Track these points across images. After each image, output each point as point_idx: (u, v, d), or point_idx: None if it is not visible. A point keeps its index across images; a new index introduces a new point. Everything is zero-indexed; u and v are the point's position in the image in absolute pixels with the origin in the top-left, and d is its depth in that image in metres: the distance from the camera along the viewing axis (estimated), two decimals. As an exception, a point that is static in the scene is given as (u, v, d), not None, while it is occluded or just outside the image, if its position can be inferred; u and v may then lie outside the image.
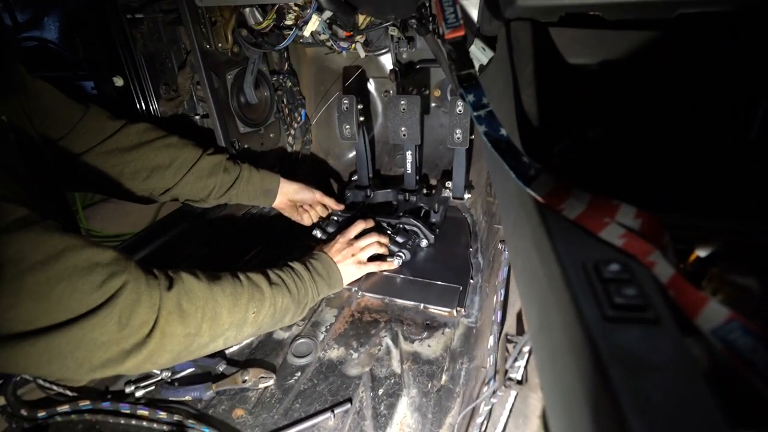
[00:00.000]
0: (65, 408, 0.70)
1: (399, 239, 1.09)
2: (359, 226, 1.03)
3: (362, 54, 1.13)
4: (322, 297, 0.90)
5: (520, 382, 0.52)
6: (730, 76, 0.49)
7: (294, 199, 1.14)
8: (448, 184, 1.28)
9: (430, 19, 0.91)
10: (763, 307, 0.35)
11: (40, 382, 0.72)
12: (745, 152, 0.44)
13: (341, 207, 1.20)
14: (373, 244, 1.01)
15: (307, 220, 1.18)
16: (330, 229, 1.16)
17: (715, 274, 0.40)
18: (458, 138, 1.13)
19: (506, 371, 0.54)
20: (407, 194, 1.26)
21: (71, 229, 0.57)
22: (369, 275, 1.03)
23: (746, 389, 0.29)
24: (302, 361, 0.84)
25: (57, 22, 1.06)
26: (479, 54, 0.69)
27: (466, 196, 1.27)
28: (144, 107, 1.12)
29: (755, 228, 0.39)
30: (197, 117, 1.17)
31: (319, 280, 0.87)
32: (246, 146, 1.25)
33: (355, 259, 0.96)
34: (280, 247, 1.21)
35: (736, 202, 0.42)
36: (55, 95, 0.80)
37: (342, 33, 1.02)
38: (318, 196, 1.16)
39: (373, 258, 1.01)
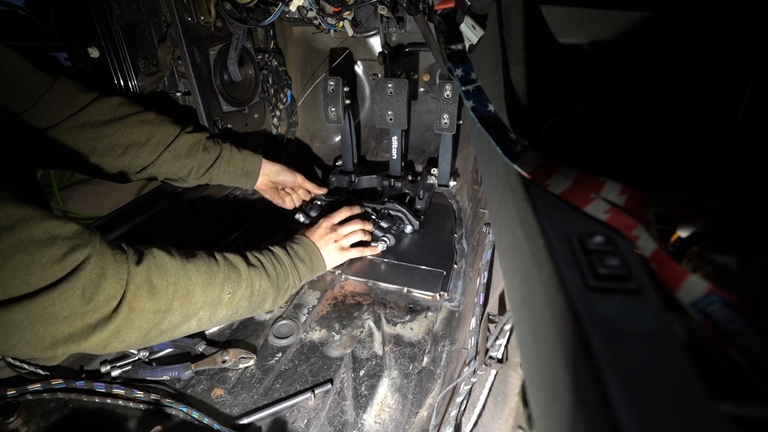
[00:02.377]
0: (37, 387, 0.67)
1: (383, 224, 1.08)
2: (344, 213, 1.02)
3: (350, 32, 1.11)
4: (303, 282, 0.88)
5: (500, 361, 0.52)
6: (718, 56, 0.49)
7: (275, 181, 1.12)
8: (434, 170, 1.27)
9: (421, -2, 0.89)
10: (741, 284, 0.35)
11: (10, 360, 0.69)
12: (732, 132, 0.44)
13: (323, 191, 1.18)
14: (358, 231, 0.99)
15: (288, 203, 1.16)
16: (313, 213, 1.14)
17: (695, 253, 0.40)
18: (445, 123, 1.12)
19: (487, 350, 0.54)
20: (392, 180, 1.25)
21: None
22: (353, 259, 1.03)
23: (725, 362, 0.29)
24: (283, 342, 0.83)
25: (27, -14, 1.00)
26: (469, 32, 0.67)
27: (452, 183, 1.27)
28: (122, 81, 1.07)
29: (738, 207, 0.39)
30: (178, 94, 1.13)
31: (300, 265, 0.85)
32: (229, 126, 1.22)
33: (338, 245, 0.95)
34: (264, 229, 1.20)
35: (722, 181, 0.42)
36: (18, 63, 0.74)
37: (329, 8, 0.99)
38: (300, 179, 1.13)
39: (356, 244, 1.00)
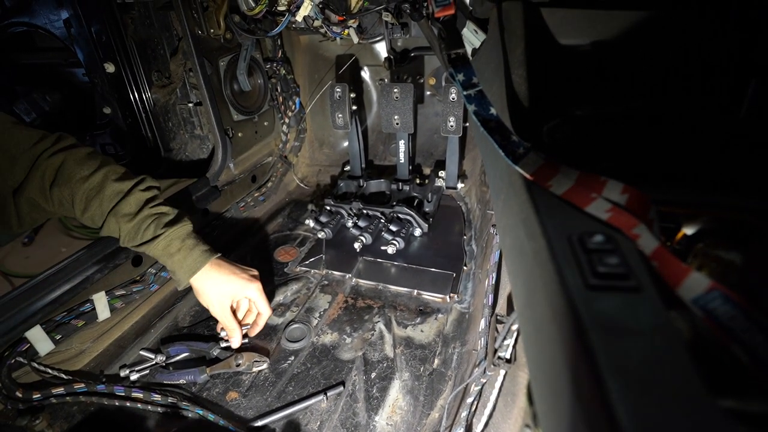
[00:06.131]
0: (60, 390, 0.70)
1: (393, 227, 1.09)
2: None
3: (355, 40, 1.12)
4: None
5: (509, 361, 0.53)
6: (721, 54, 0.49)
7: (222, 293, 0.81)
8: (442, 173, 1.28)
9: (424, 4, 0.90)
10: (746, 280, 0.35)
11: (35, 364, 0.72)
12: (734, 129, 0.44)
13: (269, 313, 0.85)
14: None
15: (231, 331, 0.82)
16: (323, 219, 1.16)
17: (700, 250, 0.40)
18: (451, 126, 1.13)
19: (495, 351, 0.55)
20: (400, 184, 1.26)
21: None
22: (363, 262, 1.04)
23: (727, 359, 0.29)
24: (296, 346, 0.84)
25: (47, 6, 1.04)
26: (471, 37, 0.68)
27: (460, 185, 1.27)
28: (136, 94, 1.11)
29: (742, 203, 0.39)
30: (190, 105, 1.16)
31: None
32: (240, 134, 1.25)
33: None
34: (272, 235, 1.22)
35: (725, 177, 0.42)
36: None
37: (335, 17, 1.01)
38: (254, 291, 0.82)
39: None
